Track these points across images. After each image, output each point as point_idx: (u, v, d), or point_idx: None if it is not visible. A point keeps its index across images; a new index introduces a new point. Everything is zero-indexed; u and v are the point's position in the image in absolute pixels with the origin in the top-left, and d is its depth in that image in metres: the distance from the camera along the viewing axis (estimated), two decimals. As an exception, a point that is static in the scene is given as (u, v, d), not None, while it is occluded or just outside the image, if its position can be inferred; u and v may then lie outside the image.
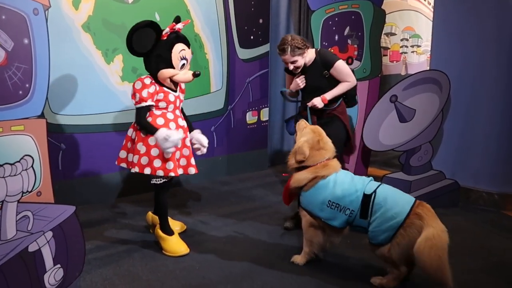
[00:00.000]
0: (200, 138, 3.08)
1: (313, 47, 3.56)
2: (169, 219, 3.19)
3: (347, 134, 3.37)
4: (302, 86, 3.27)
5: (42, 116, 2.29)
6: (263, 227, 3.42)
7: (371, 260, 2.80)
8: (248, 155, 4.80)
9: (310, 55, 3.21)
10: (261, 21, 4.63)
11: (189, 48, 2.90)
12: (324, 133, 2.84)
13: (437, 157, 3.96)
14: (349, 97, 3.36)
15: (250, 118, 4.78)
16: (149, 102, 2.82)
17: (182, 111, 3.09)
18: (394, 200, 2.51)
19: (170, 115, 2.90)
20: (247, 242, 3.18)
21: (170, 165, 2.83)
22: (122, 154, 3.03)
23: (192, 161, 3.01)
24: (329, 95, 3.21)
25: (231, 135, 4.66)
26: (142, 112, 2.83)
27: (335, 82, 3.24)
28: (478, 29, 3.75)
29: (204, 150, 3.10)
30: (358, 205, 2.56)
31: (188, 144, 3.02)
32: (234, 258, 2.93)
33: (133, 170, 2.88)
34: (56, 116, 3.58)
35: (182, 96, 3.05)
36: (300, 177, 2.74)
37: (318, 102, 3.21)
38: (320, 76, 3.21)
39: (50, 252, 2.27)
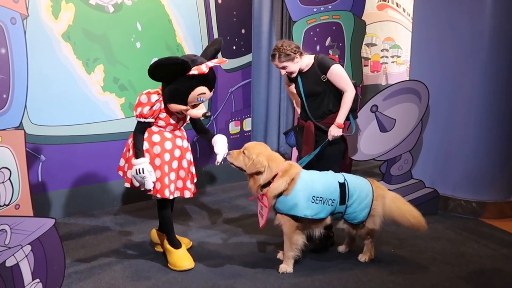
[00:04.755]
0: (216, 147, 2.93)
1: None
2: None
3: (345, 147, 3.25)
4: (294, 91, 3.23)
5: (20, 127, 2.26)
6: (247, 237, 3.42)
7: (349, 264, 2.95)
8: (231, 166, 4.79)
9: (306, 61, 3.14)
10: (243, 31, 4.66)
11: (211, 90, 2.75)
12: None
13: (417, 166, 4.02)
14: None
15: (233, 128, 4.78)
16: (149, 120, 2.74)
17: (201, 124, 3.05)
18: (359, 182, 2.92)
19: (167, 134, 2.83)
20: (230, 253, 3.16)
21: (158, 185, 2.77)
22: (121, 162, 2.95)
23: (188, 184, 2.94)
24: (341, 118, 3.09)
25: (214, 145, 4.65)
26: (140, 126, 2.77)
27: (334, 88, 3.13)
28: (456, 40, 3.83)
29: (219, 158, 2.91)
30: (338, 194, 2.82)
31: (185, 166, 2.92)
32: (217, 270, 2.91)
33: (126, 185, 2.84)
34: (35, 127, 3.52)
35: (187, 118, 2.92)
36: (277, 184, 2.77)
37: (335, 131, 3.09)
38: (318, 81, 3.12)
39: (28, 267, 2.22)
